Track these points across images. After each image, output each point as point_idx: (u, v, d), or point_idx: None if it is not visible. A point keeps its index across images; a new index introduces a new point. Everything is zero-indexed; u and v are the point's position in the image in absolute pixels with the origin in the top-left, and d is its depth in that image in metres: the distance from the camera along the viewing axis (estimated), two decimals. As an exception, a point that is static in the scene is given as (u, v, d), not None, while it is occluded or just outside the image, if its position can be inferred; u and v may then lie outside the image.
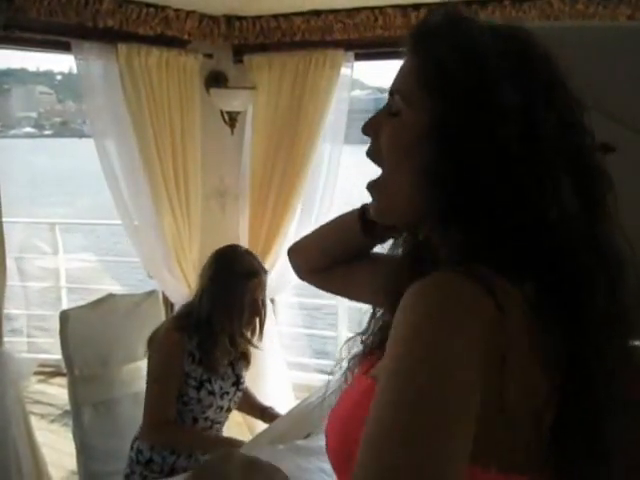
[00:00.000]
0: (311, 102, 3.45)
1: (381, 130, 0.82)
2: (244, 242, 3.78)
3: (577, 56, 1.53)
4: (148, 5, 3.00)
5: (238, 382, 2.46)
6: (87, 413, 2.66)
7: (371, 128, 0.84)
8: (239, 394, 2.48)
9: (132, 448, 2.41)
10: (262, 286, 2.40)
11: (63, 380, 5.14)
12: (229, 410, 2.48)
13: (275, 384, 3.75)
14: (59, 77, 63.17)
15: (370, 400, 0.67)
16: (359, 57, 3.43)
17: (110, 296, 2.81)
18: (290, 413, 2.19)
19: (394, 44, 2.90)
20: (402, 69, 0.82)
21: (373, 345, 0.93)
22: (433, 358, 0.65)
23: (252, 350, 2.52)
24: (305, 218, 3.69)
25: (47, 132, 49.67)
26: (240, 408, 2.66)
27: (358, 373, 0.89)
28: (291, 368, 4.19)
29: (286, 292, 4.13)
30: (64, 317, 2.62)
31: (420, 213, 0.80)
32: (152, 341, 2.38)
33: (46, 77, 59.76)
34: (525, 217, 0.72)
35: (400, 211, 0.83)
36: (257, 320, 2.44)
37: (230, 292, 2.31)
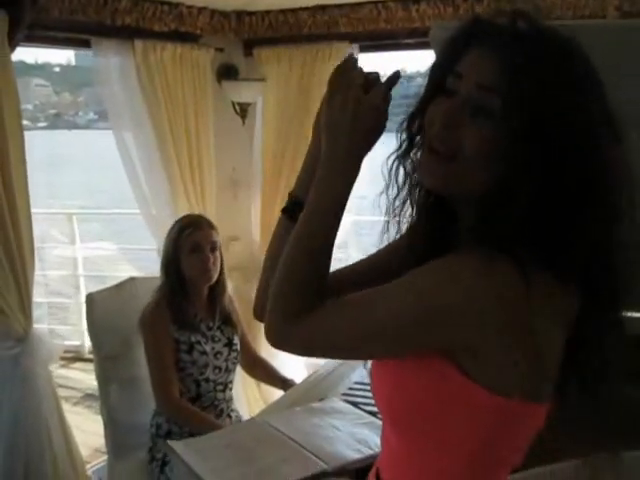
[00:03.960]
0: (318, 92, 3.46)
1: (465, 126, 0.87)
2: (256, 228, 3.92)
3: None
4: (163, 3, 3.15)
5: (230, 344, 2.62)
6: (113, 390, 2.75)
7: (453, 120, 0.88)
8: (234, 354, 2.63)
9: (151, 425, 2.58)
10: (203, 235, 2.56)
11: (83, 365, 5.34)
12: (228, 370, 2.62)
13: (288, 366, 3.88)
14: (57, 69, 62.72)
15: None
16: (363, 49, 3.53)
17: (131, 279, 2.90)
18: (304, 382, 2.35)
19: (396, 36, 3.07)
20: (499, 65, 0.85)
21: None
22: (430, 297, 0.86)
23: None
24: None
25: (41, 124, 49.23)
26: (263, 379, 2.86)
27: None
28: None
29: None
30: (90, 300, 2.71)
31: (477, 196, 0.89)
32: (141, 323, 2.55)
33: (43, 69, 59.25)
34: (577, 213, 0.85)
35: (463, 190, 0.91)
36: (213, 272, 2.57)
37: (171, 246, 2.55)
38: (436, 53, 0.98)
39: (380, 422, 1.09)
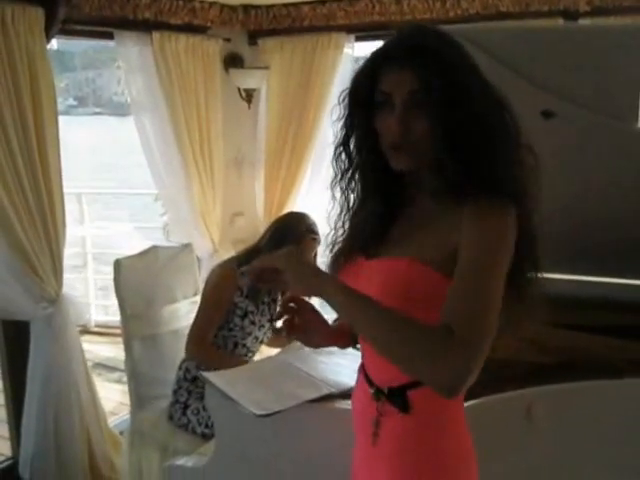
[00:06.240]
0: (318, 79, 3.84)
1: (412, 121, 1.21)
2: (260, 204, 4.19)
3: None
4: (178, -2, 3.46)
5: (271, 320, 2.89)
6: (136, 346, 2.98)
7: (405, 119, 1.21)
8: (270, 331, 2.91)
9: (180, 368, 2.83)
10: (315, 247, 2.81)
11: (90, 337, 5.58)
12: (261, 342, 2.91)
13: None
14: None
15: (423, 279, 1.23)
16: (359, 39, 3.81)
17: (153, 247, 3.14)
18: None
19: (389, 27, 3.47)
20: (412, 75, 1.19)
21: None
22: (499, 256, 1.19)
23: None
24: (313, 182, 4.08)
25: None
26: (273, 344, 3.08)
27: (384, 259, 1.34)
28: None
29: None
30: (117, 265, 2.93)
31: (431, 158, 1.23)
32: (212, 271, 2.80)
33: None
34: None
35: (424, 159, 1.24)
36: None
37: (291, 236, 2.73)
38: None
39: None
